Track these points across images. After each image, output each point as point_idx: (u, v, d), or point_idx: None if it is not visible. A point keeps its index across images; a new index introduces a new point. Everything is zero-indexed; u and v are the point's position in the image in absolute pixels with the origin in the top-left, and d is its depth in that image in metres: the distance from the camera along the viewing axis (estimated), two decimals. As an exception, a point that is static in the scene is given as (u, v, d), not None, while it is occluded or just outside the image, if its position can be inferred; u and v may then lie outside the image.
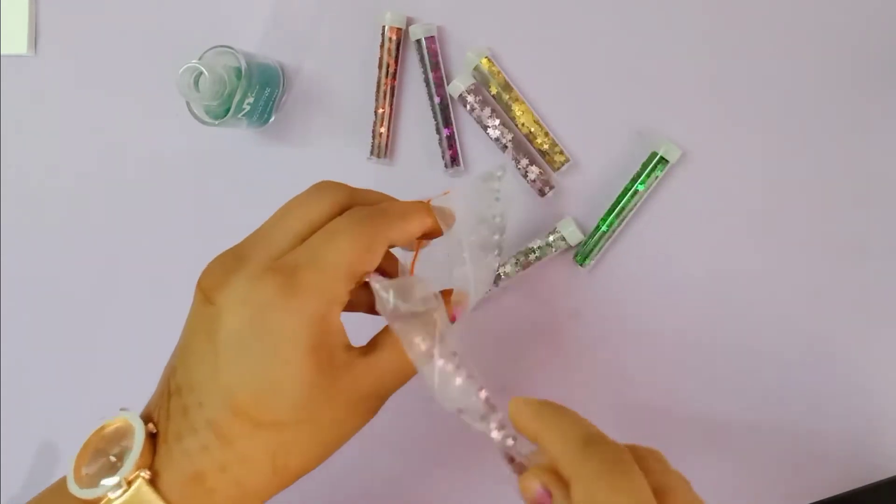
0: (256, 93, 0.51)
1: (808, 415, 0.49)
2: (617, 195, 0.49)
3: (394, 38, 0.52)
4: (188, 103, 0.49)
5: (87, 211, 0.59)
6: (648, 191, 0.49)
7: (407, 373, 0.32)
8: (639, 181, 0.49)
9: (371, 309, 0.33)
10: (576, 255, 0.51)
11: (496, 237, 0.34)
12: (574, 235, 0.49)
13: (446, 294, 0.34)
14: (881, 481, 0.47)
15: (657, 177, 0.49)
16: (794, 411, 0.49)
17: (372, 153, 0.53)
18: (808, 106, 0.49)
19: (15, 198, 0.60)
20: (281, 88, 0.54)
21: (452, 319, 0.33)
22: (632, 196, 0.49)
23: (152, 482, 0.27)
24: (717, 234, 0.50)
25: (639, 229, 0.51)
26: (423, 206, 0.33)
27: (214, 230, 0.58)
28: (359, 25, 0.54)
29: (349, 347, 0.30)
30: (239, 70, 0.49)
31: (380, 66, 0.52)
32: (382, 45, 0.52)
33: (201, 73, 0.47)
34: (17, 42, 0.59)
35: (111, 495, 0.26)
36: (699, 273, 0.50)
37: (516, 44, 0.52)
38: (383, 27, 0.52)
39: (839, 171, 0.48)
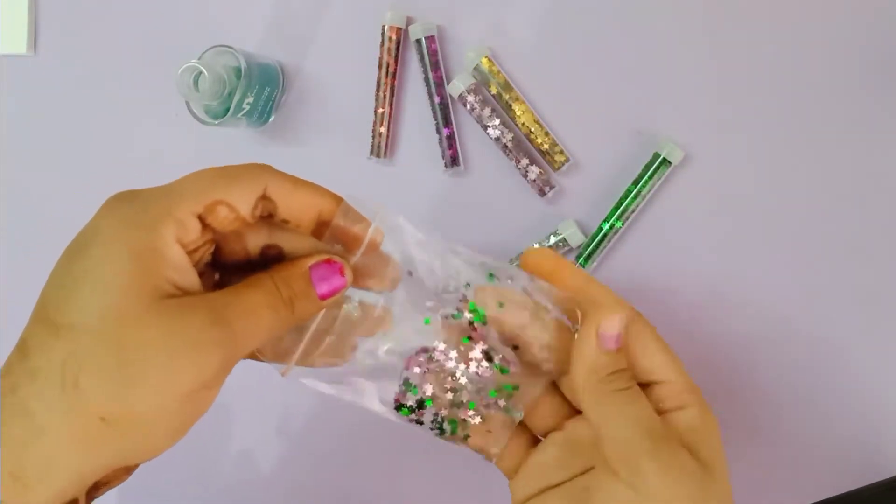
0: (256, 92, 0.50)
1: (809, 415, 0.49)
2: (619, 197, 0.49)
3: (394, 37, 0.52)
4: (188, 103, 0.49)
5: (86, 211, 0.59)
6: (651, 192, 0.49)
7: (255, 318, 0.26)
8: (641, 183, 0.49)
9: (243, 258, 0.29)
10: (577, 257, 0.50)
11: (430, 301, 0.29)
12: (575, 237, 0.49)
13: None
14: (881, 481, 0.47)
15: (659, 178, 0.49)
16: (794, 412, 0.49)
17: (372, 153, 0.53)
18: (810, 107, 0.48)
19: (14, 199, 0.60)
20: (281, 88, 0.54)
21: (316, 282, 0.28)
22: (634, 198, 0.49)
23: None
24: (718, 236, 0.50)
25: (641, 231, 0.51)
26: (327, 190, 0.29)
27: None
28: (359, 25, 0.54)
29: (182, 289, 0.25)
30: (239, 70, 0.49)
31: (380, 66, 0.52)
32: (382, 45, 0.52)
33: (201, 72, 0.47)
34: (16, 42, 0.59)
35: None
36: (701, 274, 0.50)
37: (517, 44, 0.52)
38: (383, 27, 0.52)
39: (841, 171, 0.48)
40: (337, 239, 0.28)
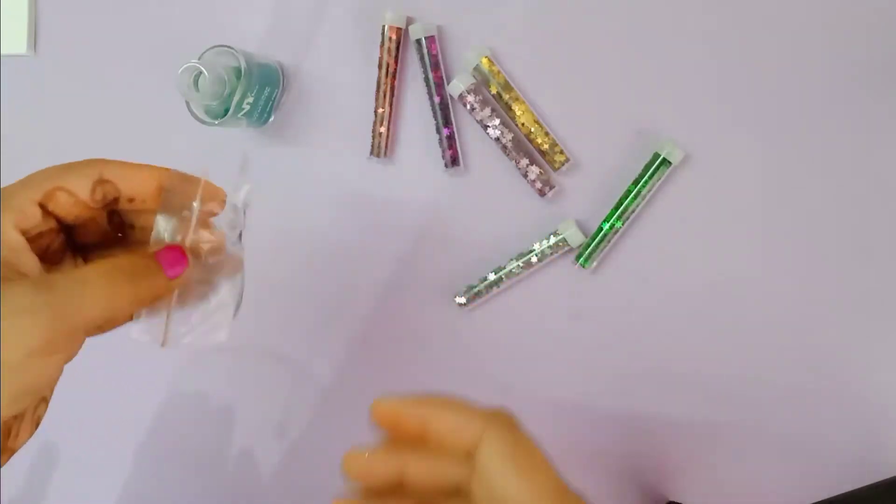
0: (256, 92, 0.50)
1: (809, 415, 0.49)
2: (619, 196, 0.49)
3: (394, 37, 0.52)
4: (188, 103, 0.49)
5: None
6: (651, 192, 0.49)
7: (94, 294, 0.27)
8: (641, 183, 0.49)
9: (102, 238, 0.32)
10: (577, 257, 0.50)
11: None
12: (576, 237, 0.49)
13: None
14: (881, 481, 0.47)
15: (659, 178, 0.49)
16: (794, 412, 0.49)
17: (372, 153, 0.53)
18: (810, 107, 0.48)
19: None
20: (281, 88, 0.54)
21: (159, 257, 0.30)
22: (634, 198, 0.49)
23: None
24: (718, 236, 0.50)
25: (641, 231, 0.51)
26: (154, 165, 0.31)
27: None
28: (359, 25, 0.54)
29: (31, 266, 0.27)
30: (239, 70, 0.49)
31: (380, 66, 0.52)
32: (382, 45, 0.52)
33: (201, 72, 0.47)
34: (16, 42, 0.59)
35: None
36: (701, 275, 0.50)
37: (517, 43, 0.52)
38: (383, 27, 0.52)
39: (842, 172, 0.48)
40: (175, 200, 0.31)
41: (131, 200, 0.30)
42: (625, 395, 0.51)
